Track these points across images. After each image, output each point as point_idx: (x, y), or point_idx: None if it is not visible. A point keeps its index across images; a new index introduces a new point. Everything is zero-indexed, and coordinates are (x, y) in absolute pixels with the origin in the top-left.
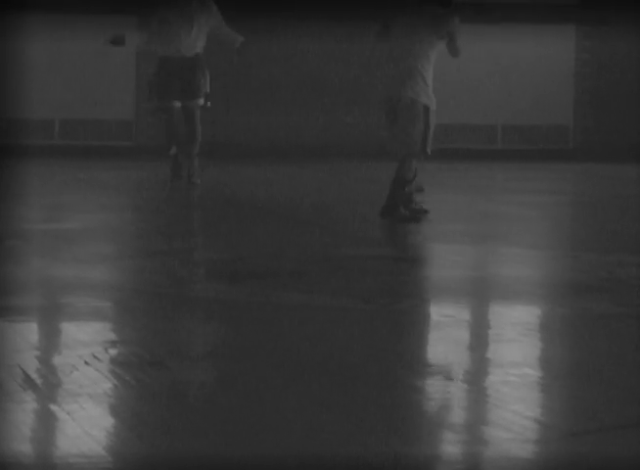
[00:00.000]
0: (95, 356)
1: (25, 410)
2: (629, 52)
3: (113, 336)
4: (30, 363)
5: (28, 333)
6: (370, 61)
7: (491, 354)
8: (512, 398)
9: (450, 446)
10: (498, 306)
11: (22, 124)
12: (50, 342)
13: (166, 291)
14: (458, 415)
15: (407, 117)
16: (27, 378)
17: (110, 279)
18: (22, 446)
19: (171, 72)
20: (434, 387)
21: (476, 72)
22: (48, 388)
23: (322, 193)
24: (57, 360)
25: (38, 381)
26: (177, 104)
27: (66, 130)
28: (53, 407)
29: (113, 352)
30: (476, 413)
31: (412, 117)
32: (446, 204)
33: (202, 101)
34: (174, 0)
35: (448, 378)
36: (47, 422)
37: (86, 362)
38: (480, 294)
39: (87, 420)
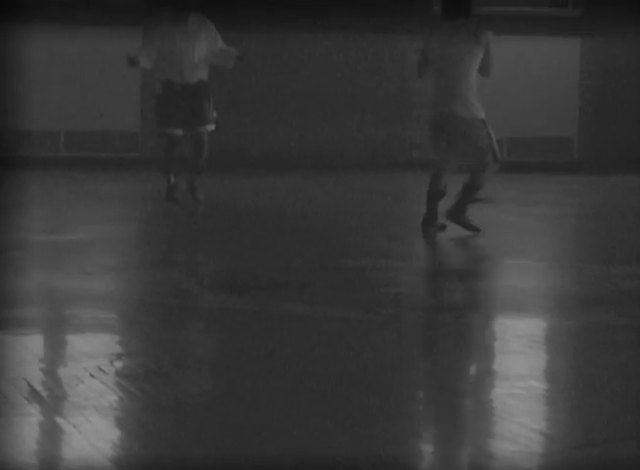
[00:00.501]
0: (100, 369)
1: (31, 423)
2: (634, 64)
3: (118, 348)
4: (36, 376)
5: (33, 345)
6: (377, 70)
7: (497, 366)
8: (518, 410)
9: (456, 459)
10: (504, 318)
11: (27, 136)
12: (55, 354)
13: (172, 302)
14: (463, 427)
15: (473, 134)
16: (33, 391)
17: (115, 291)
18: (29, 458)
19: (175, 100)
20: (438, 398)
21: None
22: (53, 400)
23: (326, 204)
24: (62, 373)
25: (44, 393)
26: (179, 132)
27: (71, 142)
28: (58, 420)
29: (118, 363)
30: (481, 426)
31: (477, 132)
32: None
33: (209, 127)
34: (174, 18)
35: (453, 389)
36: (53, 435)
37: (92, 375)
38: (486, 305)
39: (93, 432)
